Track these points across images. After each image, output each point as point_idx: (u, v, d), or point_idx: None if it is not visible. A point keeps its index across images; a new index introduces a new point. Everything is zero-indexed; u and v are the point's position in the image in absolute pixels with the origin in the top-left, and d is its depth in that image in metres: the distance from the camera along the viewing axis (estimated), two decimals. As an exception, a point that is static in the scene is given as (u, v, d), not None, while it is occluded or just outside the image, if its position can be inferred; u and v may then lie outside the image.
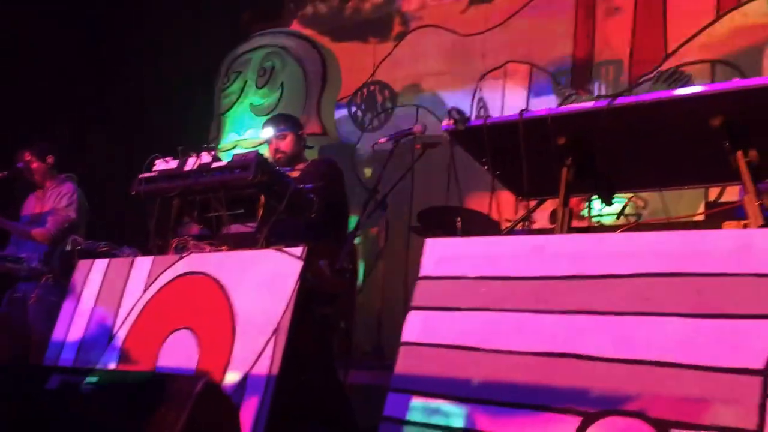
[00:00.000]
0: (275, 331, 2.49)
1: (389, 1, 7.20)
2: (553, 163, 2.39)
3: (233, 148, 6.69)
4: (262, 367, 2.44)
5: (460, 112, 2.46)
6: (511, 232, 2.63)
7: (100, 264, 3.22)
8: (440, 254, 2.38)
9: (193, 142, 3.35)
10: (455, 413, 2.07)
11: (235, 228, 3.09)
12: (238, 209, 3.03)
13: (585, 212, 4.22)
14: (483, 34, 6.46)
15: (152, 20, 7.01)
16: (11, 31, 6.06)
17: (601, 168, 2.44)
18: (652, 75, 5.37)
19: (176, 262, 2.96)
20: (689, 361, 1.83)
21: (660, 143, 2.40)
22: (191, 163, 3.09)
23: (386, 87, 6.94)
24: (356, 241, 4.99)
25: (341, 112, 7.13)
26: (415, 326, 2.28)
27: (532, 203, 2.96)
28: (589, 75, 5.92)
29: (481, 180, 2.68)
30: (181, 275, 2.92)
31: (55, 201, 4.84)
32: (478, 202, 5.17)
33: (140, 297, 2.98)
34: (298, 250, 2.64)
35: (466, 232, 4.44)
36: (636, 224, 2.56)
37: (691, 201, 4.57)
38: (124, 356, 2.86)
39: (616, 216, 4.55)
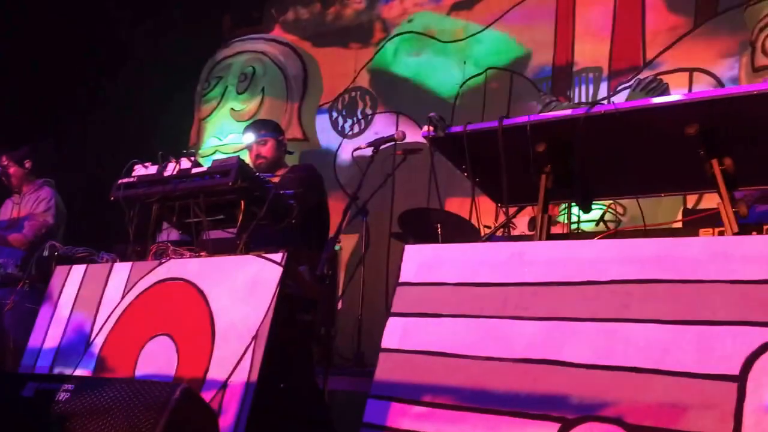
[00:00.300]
0: (255, 338, 2.48)
1: (370, 8, 7.21)
2: (533, 170, 2.41)
3: (213, 153, 6.67)
4: (242, 374, 2.43)
5: (440, 118, 2.47)
6: (490, 238, 2.64)
7: (78, 270, 3.19)
8: (420, 261, 2.38)
9: (174, 148, 3.33)
10: (434, 419, 2.07)
11: (215, 234, 3.08)
12: (218, 215, 3.02)
13: (561, 218, 4.25)
14: (464, 40, 6.50)
15: (133, 25, 6.97)
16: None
17: (579, 175, 2.46)
18: (630, 83, 5.41)
19: (155, 267, 2.94)
20: (666, 367, 1.85)
21: (637, 151, 2.42)
22: (171, 168, 3.08)
23: (367, 93, 6.95)
24: (337, 247, 4.99)
25: (322, 118, 7.13)
26: (394, 333, 2.28)
27: (512, 210, 2.97)
28: (569, 82, 5.97)
29: (462, 186, 2.70)
30: (160, 281, 2.90)
31: (33, 206, 4.80)
32: (458, 209, 5.19)
33: (118, 303, 2.96)
34: (278, 256, 2.63)
35: (447, 239, 4.45)
36: (614, 231, 2.58)
37: (669, 208, 4.62)
38: (101, 363, 2.84)
39: (595, 223, 4.59)
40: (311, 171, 4.32)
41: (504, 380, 2.03)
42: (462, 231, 4.46)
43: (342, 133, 6.99)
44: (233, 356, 2.48)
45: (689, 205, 4.80)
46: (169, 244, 3.13)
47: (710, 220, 2.38)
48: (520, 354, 2.05)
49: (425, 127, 2.52)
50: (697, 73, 5.33)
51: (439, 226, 4.47)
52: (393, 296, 2.36)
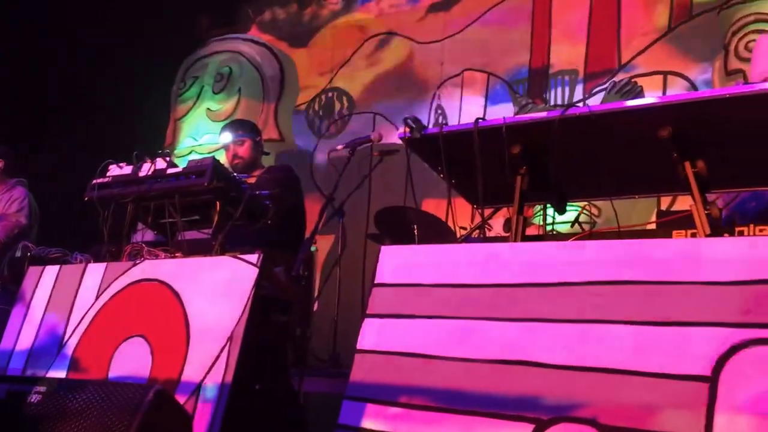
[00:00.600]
0: (230, 339, 2.47)
1: (347, 9, 7.20)
2: (508, 171, 2.42)
3: (189, 153, 6.63)
4: (216, 375, 2.42)
5: (416, 120, 2.48)
6: (466, 239, 2.65)
7: (51, 270, 3.16)
8: (395, 262, 2.39)
9: (149, 148, 3.32)
10: (409, 420, 2.07)
11: (190, 234, 3.06)
12: (193, 215, 3.01)
13: (537, 219, 4.27)
14: (441, 42, 6.51)
15: (108, 24, 6.91)
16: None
17: (554, 177, 2.48)
18: (605, 85, 5.46)
19: (130, 268, 2.92)
20: (639, 368, 1.87)
21: (611, 153, 2.44)
22: (146, 168, 3.06)
23: (344, 94, 6.95)
24: (313, 248, 4.98)
25: (299, 119, 7.11)
26: (370, 334, 2.29)
27: (488, 211, 2.99)
28: (545, 84, 6.00)
29: (438, 188, 2.70)
30: (134, 282, 2.88)
31: (5, 206, 4.74)
32: (435, 210, 5.19)
33: (92, 304, 2.93)
34: (253, 257, 2.62)
35: (423, 240, 4.46)
36: (589, 233, 2.60)
37: (644, 210, 4.66)
38: (75, 365, 2.81)
39: (570, 224, 4.62)
40: (288, 172, 4.32)
41: (479, 381, 2.04)
42: (438, 232, 4.47)
43: (319, 134, 6.98)
44: (208, 358, 2.47)
45: (663, 207, 4.85)
46: (144, 245, 3.11)
47: (683, 221, 2.40)
48: (495, 355, 2.06)
49: (401, 129, 2.52)
50: (671, 76, 5.38)
51: (415, 227, 4.48)
52: (369, 297, 2.36)
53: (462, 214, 2.99)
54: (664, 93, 5.20)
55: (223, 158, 4.19)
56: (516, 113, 2.59)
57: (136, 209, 3.11)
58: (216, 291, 2.61)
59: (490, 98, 6.25)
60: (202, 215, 2.97)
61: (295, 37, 7.35)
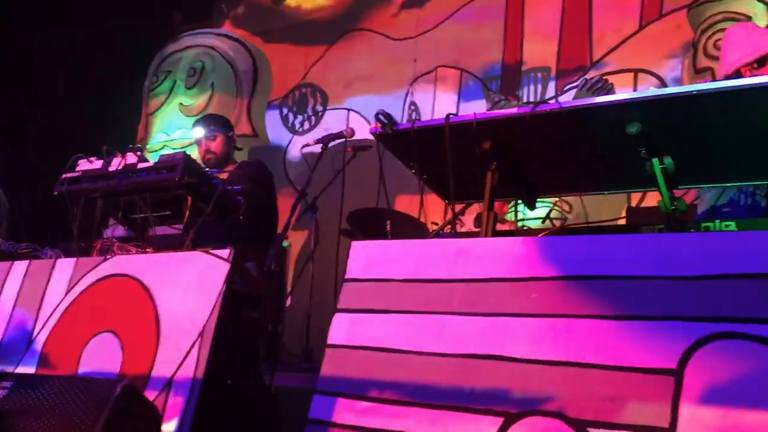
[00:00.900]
0: (201, 334, 2.46)
1: (321, 4, 7.19)
2: (479, 167, 2.43)
3: (162, 148, 6.58)
4: (187, 370, 2.41)
5: (387, 115, 2.48)
6: (437, 235, 2.66)
7: (20, 266, 3.12)
8: (366, 257, 2.39)
9: (121, 143, 3.29)
10: (379, 414, 2.08)
11: (162, 230, 3.04)
12: (164, 211, 2.99)
13: (509, 216, 4.30)
14: (414, 38, 6.52)
15: (80, 18, 6.83)
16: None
17: (524, 173, 2.49)
18: (577, 83, 5.51)
19: (100, 264, 2.89)
20: (607, 361, 1.88)
21: (581, 149, 2.46)
22: (116, 163, 3.03)
23: (318, 90, 6.93)
24: (285, 243, 4.97)
25: (272, 114, 7.08)
26: (341, 328, 2.29)
27: (460, 207, 3.00)
28: (518, 81, 6.04)
29: (412, 184, 2.71)
30: (104, 277, 2.85)
31: (-27, 201, 4.68)
32: (408, 205, 5.21)
33: (62, 299, 2.90)
34: (225, 252, 2.61)
35: (396, 236, 4.47)
36: (558, 228, 2.63)
37: (614, 206, 4.71)
38: (43, 360, 2.78)
39: (541, 220, 4.66)
40: (260, 167, 4.31)
41: (449, 375, 2.05)
42: (412, 228, 4.48)
43: (292, 130, 6.96)
44: (179, 353, 2.46)
45: (633, 203, 4.91)
46: (115, 240, 3.09)
47: (651, 217, 2.43)
48: (464, 349, 2.07)
49: (373, 124, 2.53)
50: (641, 74, 5.44)
51: (388, 223, 4.49)
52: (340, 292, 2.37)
53: (436, 209, 3.00)
54: (634, 90, 5.26)
55: (195, 153, 4.18)
56: (489, 110, 2.61)
57: (106, 204, 3.08)
58: (187, 286, 2.59)
59: (463, 95, 6.28)
60: (173, 210, 2.95)
61: (268, 33, 7.32)
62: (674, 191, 2.24)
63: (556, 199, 4.69)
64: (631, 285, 1.96)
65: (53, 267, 3.02)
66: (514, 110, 2.36)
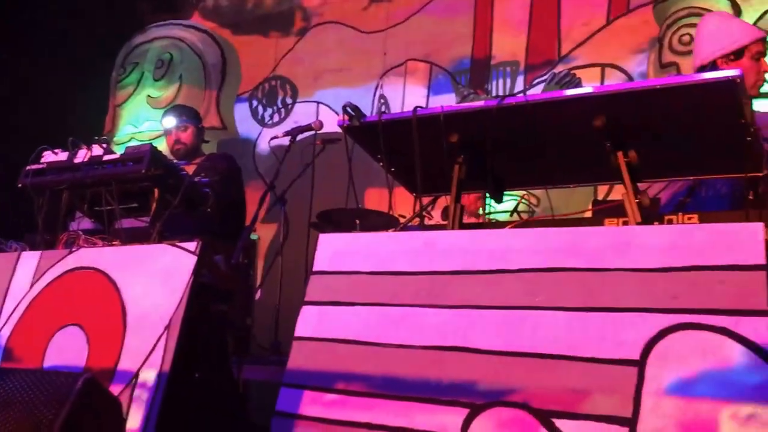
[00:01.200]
0: (167, 327, 2.45)
1: (291, -3, 7.16)
2: (446, 160, 2.44)
3: (129, 140, 6.52)
4: (154, 364, 2.40)
5: (355, 108, 2.48)
6: (405, 228, 2.67)
7: (-17, 259, 3.07)
8: (334, 249, 2.39)
9: (88, 135, 3.25)
10: (346, 407, 2.09)
11: (128, 222, 3.02)
12: (131, 203, 2.97)
13: (482, 210, 4.33)
14: (384, 31, 6.52)
15: (45, 7, 6.72)
16: None
17: (491, 166, 2.51)
18: (545, 77, 5.55)
19: (65, 256, 2.86)
20: (571, 353, 1.91)
21: (547, 143, 2.48)
22: (82, 155, 3.00)
23: (287, 82, 6.90)
24: (255, 236, 4.95)
25: (242, 107, 7.04)
26: (308, 321, 2.29)
27: (428, 200, 3.01)
28: (487, 75, 6.07)
29: (382, 176, 2.72)
30: (70, 270, 2.82)
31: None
32: (378, 199, 5.22)
33: (26, 293, 2.87)
34: (192, 245, 2.59)
35: (366, 229, 4.47)
36: (524, 221, 2.65)
37: (582, 199, 4.75)
38: (8, 354, 2.75)
39: (509, 213, 4.69)
40: (231, 162, 4.30)
41: (415, 367, 2.06)
42: (382, 222, 4.49)
43: (262, 122, 6.93)
44: (145, 346, 2.44)
45: (600, 197, 4.96)
46: (81, 233, 3.05)
47: (617, 210, 2.46)
48: (431, 341, 2.08)
49: (341, 116, 2.52)
50: (609, 68, 5.50)
51: (358, 222, 4.50)
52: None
53: (406, 202, 3.01)
54: (601, 84, 5.31)
55: (162, 146, 4.14)
56: (458, 103, 2.62)
57: (72, 197, 3.04)
58: (154, 279, 2.58)
59: (432, 88, 6.29)
60: (140, 203, 2.93)
61: (238, 25, 7.27)
62: (639, 184, 2.27)
63: (524, 192, 4.73)
64: (596, 277, 1.98)
65: (18, 260, 2.99)
66: (481, 103, 2.37)
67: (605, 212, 2.44)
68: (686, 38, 4.94)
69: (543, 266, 2.06)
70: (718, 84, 2.03)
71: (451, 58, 6.24)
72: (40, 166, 3.06)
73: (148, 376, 2.37)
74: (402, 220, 3.24)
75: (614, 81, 5.32)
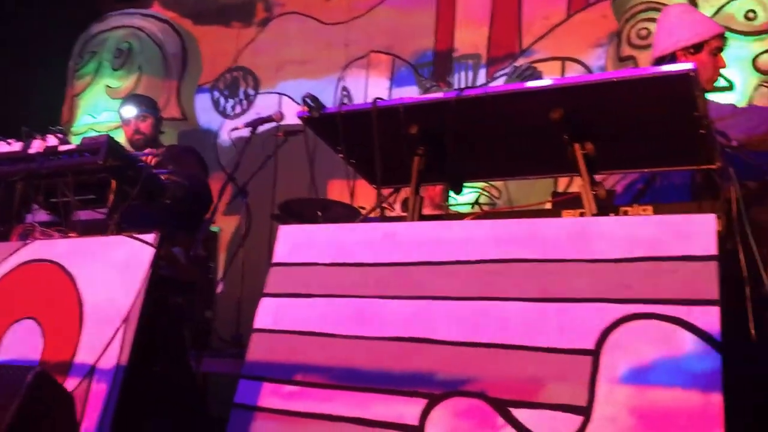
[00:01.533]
0: (125, 321, 2.42)
1: (254, -13, 7.09)
2: (406, 152, 2.44)
3: (87, 131, 6.41)
4: (111, 357, 2.37)
5: (314, 99, 2.47)
6: (365, 219, 2.67)
7: (-67, 252, 3.00)
8: (294, 241, 2.39)
9: (44, 125, 3.19)
10: (305, 398, 2.09)
11: (85, 214, 2.97)
12: (88, 195, 2.92)
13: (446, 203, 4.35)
14: (346, 23, 6.50)
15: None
16: None
17: (451, 158, 2.51)
18: (507, 70, 5.60)
19: (19, 249, 2.81)
20: (528, 343, 1.93)
21: (506, 135, 2.49)
22: (37, 145, 2.94)
23: (249, 73, 6.85)
24: (216, 229, 4.91)
25: (203, 98, 6.97)
26: (267, 313, 2.28)
27: (389, 191, 3.02)
28: (450, 68, 6.08)
29: (344, 167, 2.71)
30: (25, 263, 2.78)
31: None
32: (340, 190, 5.21)
33: (-21, 286, 2.81)
34: (150, 237, 2.57)
35: (329, 220, 4.47)
36: (483, 213, 2.67)
37: (543, 191, 4.80)
38: (-40, 349, 2.69)
39: (471, 205, 4.72)
40: (192, 152, 4.27)
41: (374, 358, 2.07)
42: (344, 213, 4.48)
43: (224, 114, 6.86)
44: (102, 339, 2.42)
45: (561, 188, 5.01)
46: (36, 225, 3.00)
47: (575, 202, 2.49)
48: (390, 332, 2.09)
49: (300, 107, 2.51)
50: (569, 62, 5.54)
51: (320, 213, 4.49)
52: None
53: (370, 194, 3.01)
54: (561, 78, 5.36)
55: (120, 136, 4.09)
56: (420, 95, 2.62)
57: (26, 188, 2.99)
58: (111, 271, 2.55)
59: (395, 81, 6.29)
60: (97, 194, 2.89)
61: (199, 15, 7.19)
62: (595, 176, 2.29)
63: (485, 184, 4.76)
64: (553, 268, 2.00)
65: (-30, 253, 2.92)
66: (441, 95, 2.37)
67: (564, 204, 2.46)
68: (644, 32, 5.01)
69: (501, 257, 2.08)
70: (673, 77, 2.06)
71: (413, 51, 6.24)
72: (-7, 156, 3.00)
73: (105, 369, 2.35)
74: (363, 212, 3.24)
75: (574, 74, 5.37)
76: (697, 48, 2.97)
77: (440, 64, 6.11)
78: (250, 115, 6.49)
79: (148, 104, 4.30)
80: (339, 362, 2.10)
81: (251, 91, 6.79)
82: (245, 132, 3.40)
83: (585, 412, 1.78)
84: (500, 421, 1.86)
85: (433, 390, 1.96)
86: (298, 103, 6.22)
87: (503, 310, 2.00)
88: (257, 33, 6.92)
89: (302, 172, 5.11)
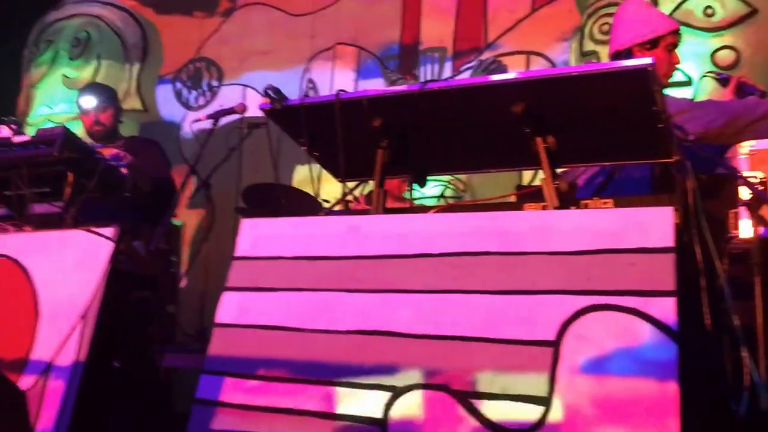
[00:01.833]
0: (83, 316, 2.38)
1: (218, -23, 6.99)
2: (370, 144, 2.44)
3: (44, 122, 6.28)
4: (69, 354, 2.33)
5: (277, 90, 2.44)
6: (329, 213, 2.66)
7: None
8: (257, 235, 2.37)
9: (-1, 116, 3.12)
10: (267, 392, 2.07)
11: (41, 208, 2.92)
12: (43, 187, 2.87)
13: (407, 194, 4.35)
14: (312, 14, 6.45)
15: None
16: None
17: (415, 150, 2.51)
18: (472, 64, 5.61)
19: (-28, 243, 2.75)
20: (490, 335, 1.94)
21: (470, 128, 2.50)
22: (-11, 137, 2.88)
23: (213, 64, 6.77)
24: (179, 222, 4.86)
25: (164, 89, 6.87)
26: (229, 307, 2.26)
27: (353, 184, 3.01)
28: (416, 60, 6.08)
29: (309, 160, 2.69)
30: (-22, 258, 2.71)
31: None
32: (307, 183, 5.18)
33: (-69, 282, 2.74)
34: (109, 231, 2.53)
35: (293, 213, 4.44)
36: (447, 206, 2.67)
37: (508, 184, 4.82)
38: None
39: (436, 198, 4.74)
40: (153, 144, 4.22)
41: (338, 352, 2.06)
42: (309, 207, 4.46)
43: (186, 105, 6.77)
44: (59, 336, 2.38)
45: (526, 182, 5.04)
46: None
47: (538, 195, 2.50)
48: (353, 326, 2.08)
49: (262, 99, 2.49)
50: (533, 56, 5.57)
51: (283, 201, 4.46)
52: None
53: (335, 186, 2.99)
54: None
55: (79, 127, 4.02)
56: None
57: (-21, 180, 2.93)
58: (68, 266, 2.51)
59: (361, 73, 6.26)
60: (53, 187, 2.84)
61: (160, 4, 7.07)
62: (557, 170, 2.31)
63: (450, 177, 4.78)
64: (515, 261, 2.02)
65: None
66: (404, 87, 2.37)
67: (527, 197, 2.47)
68: (606, 27, 5.04)
69: (465, 250, 2.09)
70: (632, 72, 2.08)
71: (379, 43, 6.22)
72: (-56, 147, 2.93)
73: (63, 366, 2.31)
74: (326, 205, 3.23)
75: (538, 69, 5.40)
76: (653, 44, 3.02)
77: (406, 56, 6.10)
78: (214, 107, 6.41)
79: (107, 94, 4.23)
80: (302, 356, 2.09)
81: (215, 83, 6.71)
82: (207, 124, 3.36)
83: (546, 402, 1.80)
84: (463, 412, 1.87)
85: (397, 383, 1.96)
86: (262, 95, 6.20)
87: (466, 303, 2.01)
88: (221, 23, 6.82)
89: (268, 165, 5.08)
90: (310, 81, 6.37)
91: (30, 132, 2.92)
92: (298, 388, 2.05)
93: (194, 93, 6.76)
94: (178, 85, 6.83)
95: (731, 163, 2.35)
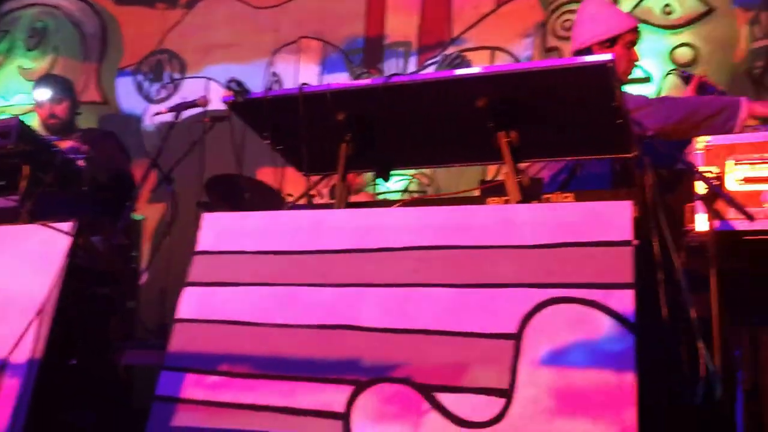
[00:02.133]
0: (39, 313, 2.34)
1: (180, -32, 6.90)
2: (334, 138, 2.43)
3: (-1, 115, 6.16)
4: (24, 351, 2.29)
5: (239, 83, 2.42)
6: (292, 207, 2.64)
7: None
8: (219, 229, 2.35)
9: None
10: (229, 388, 2.06)
11: (-2, 202, 2.86)
12: (-3, 181, 2.81)
13: (369, 188, 4.35)
14: (276, 7, 6.40)
15: None
16: None
17: (378, 144, 2.51)
18: (437, 58, 5.62)
19: (-76, 238, 2.68)
20: (452, 328, 1.95)
21: (434, 122, 2.51)
22: (-60, 129, 2.81)
23: (175, 57, 6.68)
24: (140, 217, 4.80)
25: (125, 81, 6.76)
26: (190, 302, 2.24)
27: (317, 178, 2.99)
28: (380, 55, 6.07)
29: (273, 155, 2.67)
30: (-71, 253, 2.64)
31: None
32: (271, 177, 5.14)
33: None
34: (66, 225, 2.48)
35: (256, 208, 4.41)
36: (413, 200, 2.67)
37: (473, 179, 4.84)
38: None
39: (401, 192, 4.74)
40: (112, 137, 4.16)
41: (300, 346, 2.06)
42: (272, 200, 4.44)
43: (148, 98, 6.68)
44: (15, 332, 2.33)
45: (490, 176, 5.07)
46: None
47: (501, 189, 2.52)
48: (316, 320, 2.08)
49: (225, 92, 2.46)
50: (498, 52, 5.59)
51: (247, 195, 4.42)
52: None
53: (298, 181, 2.98)
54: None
55: (35, 120, 3.95)
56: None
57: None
58: (23, 262, 2.46)
59: (326, 67, 6.23)
60: (8, 181, 2.78)
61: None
62: (519, 164, 2.32)
63: (416, 171, 4.78)
64: (478, 254, 2.03)
65: None
66: (368, 81, 2.36)
67: (490, 191, 2.49)
68: (568, 24, 5.09)
69: (427, 244, 2.09)
70: (591, 68, 2.11)
71: (344, 37, 6.19)
72: None
73: (18, 364, 2.27)
74: (290, 199, 3.21)
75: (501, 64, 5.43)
76: (612, 42, 3.09)
77: (371, 51, 6.09)
78: (176, 100, 6.33)
79: (63, 86, 4.15)
80: (264, 351, 2.08)
81: (177, 75, 6.62)
82: (169, 117, 3.31)
83: (507, 394, 1.82)
84: (425, 405, 1.87)
85: (360, 377, 1.96)
86: (225, 88, 6.13)
87: (429, 297, 2.02)
88: (183, 15, 6.73)
89: (231, 159, 5.04)
90: (275, 74, 6.32)
91: (-17, 124, 2.85)
92: (260, 384, 2.04)
93: (156, 85, 6.66)
94: (139, 77, 6.73)
95: (688, 159, 2.39)
